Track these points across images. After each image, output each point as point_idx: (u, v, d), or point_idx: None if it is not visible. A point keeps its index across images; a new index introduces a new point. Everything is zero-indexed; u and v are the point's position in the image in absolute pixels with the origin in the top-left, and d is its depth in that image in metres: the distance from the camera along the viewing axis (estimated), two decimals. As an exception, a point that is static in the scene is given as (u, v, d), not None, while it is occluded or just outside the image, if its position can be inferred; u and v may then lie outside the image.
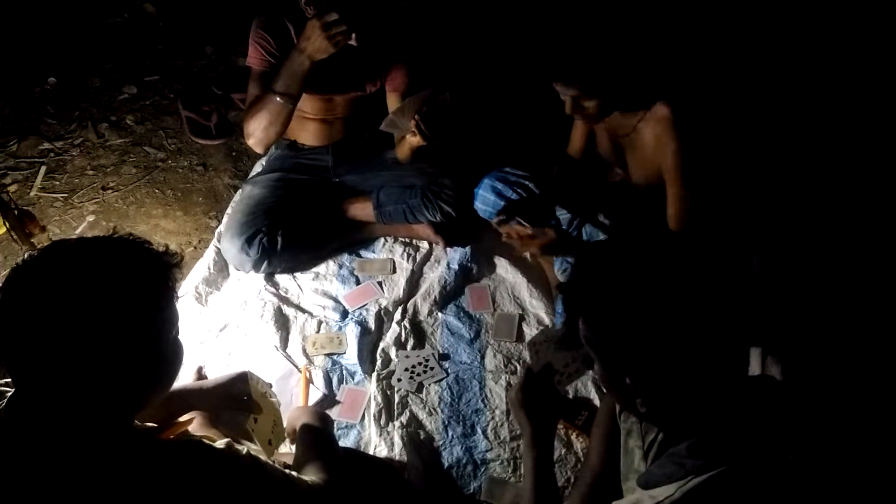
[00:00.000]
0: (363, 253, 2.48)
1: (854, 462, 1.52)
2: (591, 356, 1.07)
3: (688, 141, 1.83)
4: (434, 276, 2.35)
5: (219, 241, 2.42)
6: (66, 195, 2.83)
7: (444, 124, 2.13)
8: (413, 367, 2.06)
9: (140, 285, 0.99)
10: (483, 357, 2.11)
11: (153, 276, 1.02)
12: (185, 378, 1.76)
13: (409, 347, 2.13)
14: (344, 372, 2.07)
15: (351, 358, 2.09)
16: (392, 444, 1.85)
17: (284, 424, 1.58)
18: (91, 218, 2.74)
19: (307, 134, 2.45)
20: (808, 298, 1.99)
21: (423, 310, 2.25)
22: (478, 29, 3.42)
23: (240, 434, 1.45)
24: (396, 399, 1.97)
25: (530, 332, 2.17)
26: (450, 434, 1.89)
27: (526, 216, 2.11)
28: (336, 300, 2.29)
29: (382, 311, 2.25)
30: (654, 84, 1.88)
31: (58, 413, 0.96)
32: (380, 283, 2.35)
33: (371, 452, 1.84)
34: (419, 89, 2.15)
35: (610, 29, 1.92)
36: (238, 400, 1.51)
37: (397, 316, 2.22)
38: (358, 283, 2.36)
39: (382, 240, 2.51)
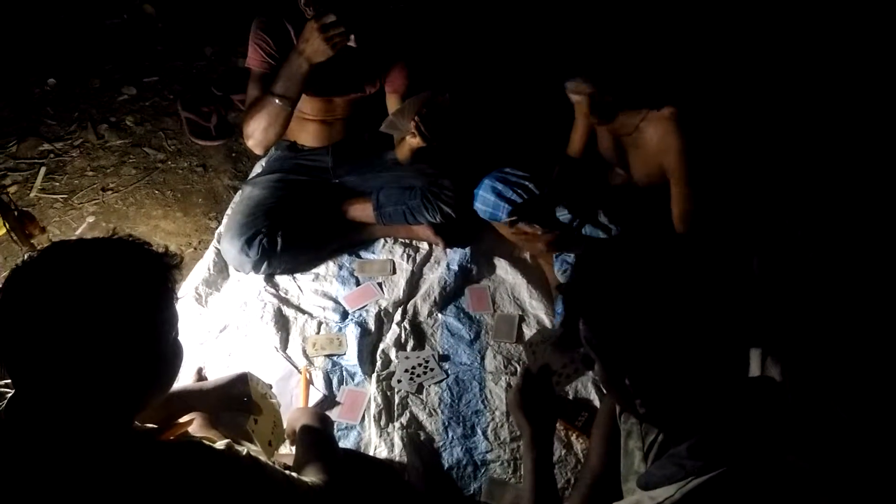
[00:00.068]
0: (363, 254, 2.48)
1: (854, 462, 1.52)
2: (590, 357, 1.07)
3: (692, 140, 1.83)
4: (434, 277, 2.35)
5: (219, 242, 2.42)
6: (65, 196, 2.83)
7: (444, 125, 2.13)
8: (413, 368, 2.06)
9: (140, 287, 0.99)
10: (483, 358, 2.11)
11: (153, 277, 1.02)
12: (184, 379, 1.76)
13: (409, 348, 2.13)
14: (344, 373, 2.07)
15: (351, 359, 2.09)
16: (392, 445, 1.85)
17: (284, 425, 1.58)
18: (91, 219, 2.74)
19: (307, 135, 2.45)
20: (808, 299, 1.99)
21: (423, 311, 2.25)
22: (477, 30, 3.42)
23: (240, 435, 1.45)
24: (396, 400, 1.97)
25: (530, 333, 2.17)
26: (450, 435, 1.89)
27: (534, 217, 2.11)
28: (336, 301, 2.29)
29: (382, 312, 2.25)
30: (667, 81, 1.89)
31: (58, 414, 0.96)
32: (380, 284, 2.35)
33: (371, 453, 1.84)
34: (419, 90, 2.15)
35: (626, 25, 1.93)
36: (238, 401, 1.51)
37: (397, 317, 2.22)
38: (358, 284, 2.36)
39: (382, 241, 2.51)
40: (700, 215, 1.91)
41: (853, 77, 2.93)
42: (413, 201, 2.38)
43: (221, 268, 2.39)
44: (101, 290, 0.95)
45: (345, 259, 2.44)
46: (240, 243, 2.26)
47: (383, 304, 2.28)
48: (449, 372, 2.06)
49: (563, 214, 2.24)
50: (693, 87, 1.99)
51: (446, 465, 1.82)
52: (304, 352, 2.12)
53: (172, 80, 3.46)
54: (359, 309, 2.26)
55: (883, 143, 2.63)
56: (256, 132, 2.17)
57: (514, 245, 2.45)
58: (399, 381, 2.02)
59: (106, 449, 0.97)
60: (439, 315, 2.24)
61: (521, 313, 2.24)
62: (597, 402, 1.94)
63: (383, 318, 2.24)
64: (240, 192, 2.57)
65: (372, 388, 2.00)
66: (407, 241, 2.51)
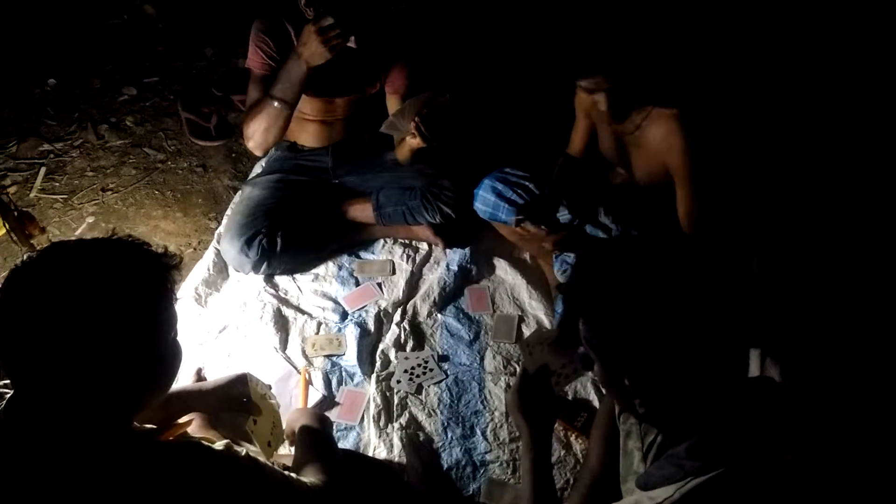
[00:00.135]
0: (363, 254, 2.48)
1: (853, 463, 1.52)
2: (589, 357, 1.07)
3: (695, 139, 1.83)
4: (433, 278, 2.35)
5: (218, 242, 2.42)
6: (65, 196, 2.84)
7: (444, 126, 2.13)
8: (412, 368, 2.06)
9: (139, 287, 0.99)
10: (482, 358, 2.11)
11: (152, 277, 1.02)
12: (184, 380, 1.76)
13: (408, 349, 2.13)
14: (343, 373, 2.07)
15: (350, 359, 2.09)
16: (391, 445, 1.84)
17: (284, 426, 1.58)
18: (91, 219, 2.74)
19: (307, 135, 2.45)
20: (808, 299, 1.99)
21: (423, 311, 2.25)
22: (477, 30, 3.42)
23: (239, 435, 1.45)
24: (396, 400, 1.97)
25: (529, 333, 2.17)
26: (449, 435, 1.89)
27: (540, 217, 2.11)
28: (335, 301, 2.29)
29: (382, 313, 2.25)
30: (679, 75, 1.89)
31: (57, 414, 0.96)
32: (379, 285, 2.35)
33: (370, 454, 1.84)
34: (419, 91, 2.15)
35: (640, 19, 1.93)
36: (237, 401, 1.51)
37: (397, 317, 2.22)
38: (357, 284, 2.36)
39: (382, 241, 2.51)
40: (706, 214, 1.91)
41: (852, 78, 2.93)
42: (413, 202, 2.38)
43: (221, 268, 2.39)
44: (100, 291, 0.95)
45: (344, 259, 2.44)
46: (239, 244, 2.26)
47: (383, 304, 2.27)
48: (448, 372, 2.06)
49: (562, 214, 2.25)
50: (698, 86, 1.99)
51: (445, 466, 1.82)
52: (304, 352, 2.12)
53: (173, 81, 3.47)
54: (358, 309, 2.26)
55: (882, 145, 2.63)
56: (256, 134, 2.18)
57: (514, 245, 2.45)
58: (398, 382, 2.02)
59: (105, 449, 0.97)
60: (439, 315, 2.24)
61: (520, 314, 2.24)
62: (596, 403, 1.94)
63: (383, 319, 2.23)
64: (239, 192, 2.57)
65: (371, 389, 2.00)
66: (406, 241, 2.51)
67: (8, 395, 1.01)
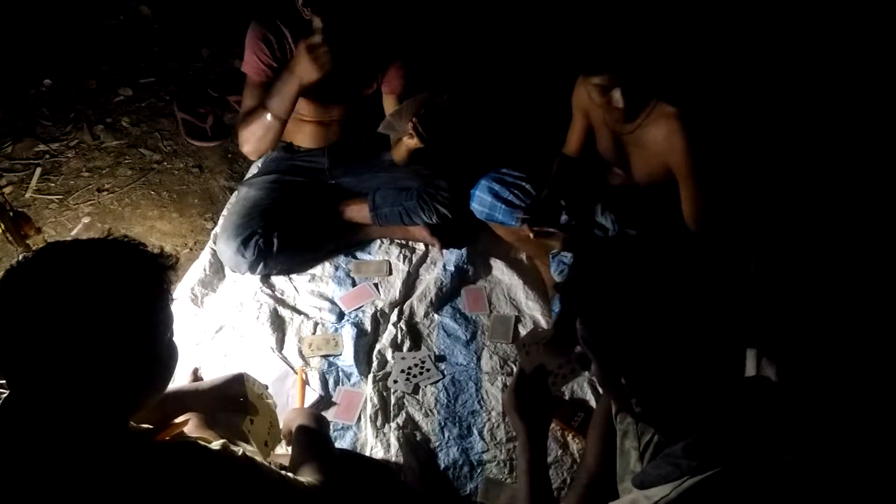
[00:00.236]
0: (359, 255, 2.48)
1: (849, 462, 1.52)
2: (586, 356, 1.07)
3: (697, 138, 1.83)
4: (430, 278, 2.35)
5: (214, 242, 2.42)
6: (61, 197, 2.83)
7: (442, 126, 2.13)
8: (409, 368, 2.06)
9: (135, 288, 0.99)
10: (479, 358, 2.11)
11: (148, 278, 1.02)
12: (180, 380, 1.76)
13: (405, 349, 2.13)
14: (340, 373, 2.07)
15: (347, 359, 2.09)
16: (388, 445, 1.84)
17: (280, 426, 1.57)
18: (86, 220, 2.73)
19: (303, 136, 2.45)
20: (804, 301, 1.99)
21: (420, 311, 2.25)
22: (473, 30, 3.42)
23: (236, 435, 1.45)
24: (393, 400, 1.97)
25: (526, 333, 2.17)
26: (446, 435, 1.89)
27: (545, 219, 2.12)
28: (332, 302, 2.28)
29: (378, 313, 2.25)
30: (687, 72, 1.89)
31: (52, 415, 0.96)
32: (376, 285, 2.35)
33: (367, 454, 1.84)
34: (415, 91, 2.15)
35: (658, 16, 1.93)
36: (234, 401, 1.50)
37: (393, 317, 2.22)
38: (354, 284, 2.36)
39: (378, 241, 2.51)
40: (712, 213, 1.91)
41: (851, 80, 2.94)
42: (409, 202, 2.38)
43: (217, 268, 2.39)
44: (96, 292, 0.94)
45: (341, 260, 2.44)
46: (236, 244, 2.26)
47: (379, 304, 2.27)
48: (445, 372, 2.06)
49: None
50: (703, 84, 1.99)
51: (442, 466, 1.82)
52: (301, 352, 2.12)
53: (169, 82, 3.46)
54: (355, 309, 2.26)
55: (879, 147, 2.63)
56: (250, 141, 2.20)
57: (511, 246, 2.45)
58: (395, 382, 2.02)
59: (101, 449, 0.97)
60: (435, 316, 2.24)
61: (517, 314, 2.25)
62: (593, 403, 1.94)
63: (379, 319, 2.23)
64: (236, 192, 2.56)
65: (368, 389, 1.99)
66: (403, 241, 2.51)
67: (3, 396, 1.01)
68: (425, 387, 2.02)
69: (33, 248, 1.84)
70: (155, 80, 3.47)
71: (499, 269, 2.39)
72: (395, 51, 2.29)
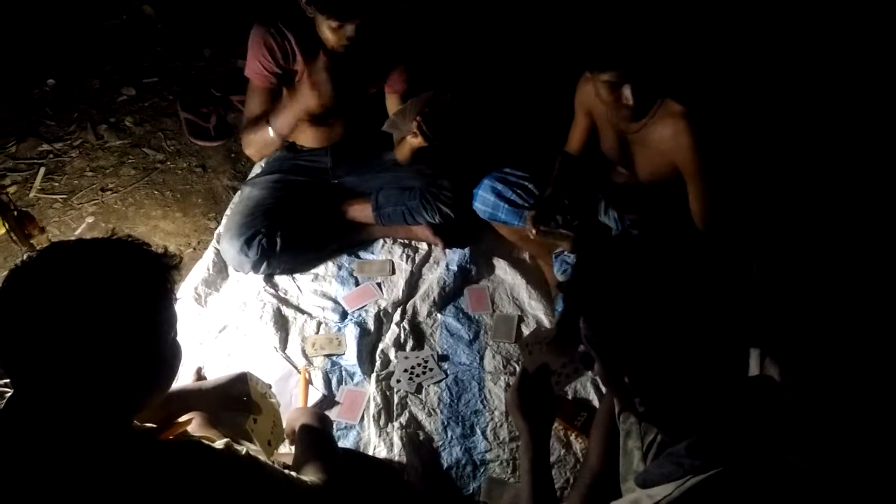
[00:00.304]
0: (362, 254, 2.48)
1: (852, 462, 1.52)
2: (589, 356, 1.07)
3: (704, 137, 1.83)
4: (433, 278, 2.36)
5: (218, 242, 2.42)
6: (65, 196, 2.84)
7: (446, 125, 2.13)
8: (412, 368, 2.06)
9: (138, 287, 0.99)
10: (482, 358, 2.11)
11: (152, 277, 1.02)
12: (184, 379, 1.76)
13: (408, 348, 2.13)
14: (343, 373, 2.07)
15: (350, 359, 2.09)
16: (391, 444, 1.85)
17: (284, 425, 1.58)
18: (90, 219, 2.74)
19: (306, 136, 2.45)
20: (807, 301, 1.99)
21: (423, 311, 2.25)
22: (476, 29, 3.42)
23: (239, 434, 1.45)
24: (395, 400, 1.97)
25: (529, 332, 2.17)
26: (449, 435, 1.89)
27: (550, 218, 2.12)
28: (335, 301, 2.29)
29: (381, 313, 2.25)
30: (696, 69, 1.89)
31: (56, 414, 0.96)
32: (379, 285, 2.35)
33: (370, 453, 1.84)
34: (418, 91, 2.15)
35: (669, 12, 1.92)
36: (237, 400, 1.51)
37: (396, 317, 2.23)
38: (357, 284, 2.36)
39: (381, 241, 2.51)
40: (719, 212, 1.91)
41: (852, 80, 2.94)
42: (412, 202, 2.38)
43: (221, 268, 2.39)
44: (100, 291, 0.95)
45: (344, 259, 2.44)
46: (239, 243, 2.26)
47: (382, 304, 2.28)
48: (448, 372, 2.06)
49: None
50: (706, 84, 1.99)
51: (445, 465, 1.82)
52: (304, 352, 2.12)
53: (172, 81, 3.46)
54: (358, 309, 2.26)
55: (881, 148, 2.63)
56: (253, 146, 2.28)
57: (514, 245, 2.45)
58: (398, 381, 2.02)
59: (105, 448, 0.97)
60: (438, 315, 2.24)
61: (520, 313, 2.24)
62: (596, 402, 1.94)
63: (382, 319, 2.24)
64: (239, 192, 2.57)
65: (371, 388, 2.00)
66: (406, 241, 2.51)
67: (8, 395, 1.01)
68: (428, 386, 2.02)
69: (37, 248, 1.85)
70: (158, 79, 3.47)
71: (502, 268, 2.39)
72: (398, 50, 2.29)
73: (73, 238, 2.29)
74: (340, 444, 1.81)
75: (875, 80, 2.89)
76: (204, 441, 1.08)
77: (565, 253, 2.19)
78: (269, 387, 1.60)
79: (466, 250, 2.42)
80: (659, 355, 0.98)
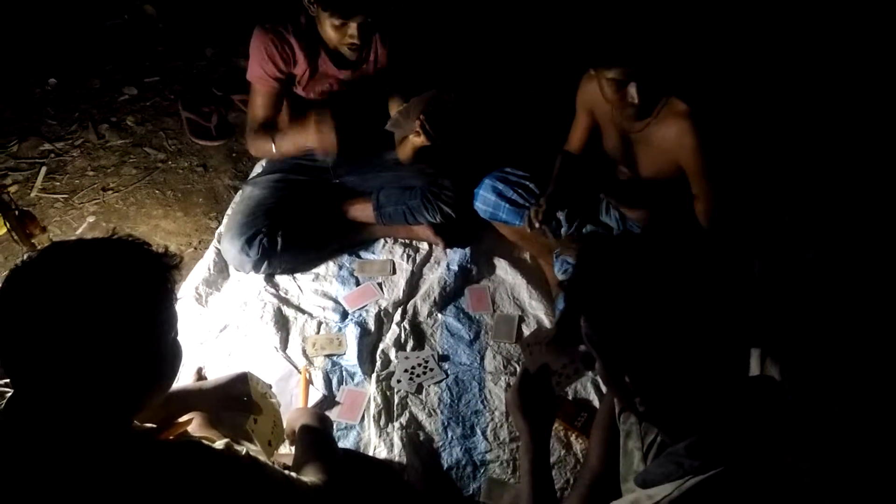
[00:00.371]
0: (363, 254, 2.48)
1: (852, 462, 1.52)
2: (591, 356, 1.07)
3: (708, 137, 1.83)
4: (434, 278, 2.35)
5: (219, 241, 2.42)
6: (66, 196, 2.84)
7: (449, 125, 2.13)
8: (413, 368, 2.06)
9: (139, 287, 0.99)
10: (482, 358, 2.11)
11: (152, 277, 1.02)
12: (184, 379, 1.76)
13: (408, 348, 2.13)
14: (343, 373, 2.07)
15: (350, 359, 2.09)
16: (391, 445, 1.85)
17: (284, 425, 1.58)
18: (91, 219, 2.74)
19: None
20: (808, 301, 1.99)
21: (423, 311, 2.25)
22: (477, 29, 3.42)
23: (239, 435, 1.45)
24: (396, 400, 1.97)
25: (529, 333, 2.17)
26: (449, 435, 1.89)
27: (554, 216, 2.12)
28: (336, 301, 2.29)
29: (382, 313, 2.25)
30: (701, 67, 1.89)
31: (56, 414, 0.96)
32: (379, 285, 2.35)
33: (370, 453, 1.84)
34: (420, 89, 2.15)
35: (676, 9, 1.92)
36: (238, 401, 1.51)
37: (397, 317, 2.22)
38: (358, 284, 2.36)
39: (382, 241, 2.51)
40: (723, 211, 1.91)
41: (853, 81, 2.93)
42: (413, 201, 2.38)
43: (221, 268, 2.39)
44: (100, 291, 0.95)
45: (345, 259, 2.44)
46: (240, 243, 2.26)
47: (383, 304, 2.28)
48: (448, 372, 2.06)
49: (562, 215, 2.24)
50: (711, 83, 1.99)
51: (446, 465, 1.82)
52: (304, 352, 2.12)
53: (173, 81, 3.47)
54: (359, 309, 2.26)
55: (883, 148, 2.63)
56: (258, 152, 2.35)
57: (514, 245, 2.45)
58: (399, 381, 2.02)
59: (105, 448, 0.97)
60: (439, 315, 2.24)
61: (520, 314, 2.24)
62: (596, 403, 1.94)
63: (383, 319, 2.24)
64: (240, 191, 2.57)
65: (371, 388, 2.00)
66: (407, 241, 2.51)
67: (8, 395, 1.01)
68: (429, 386, 2.02)
69: (38, 247, 1.85)
70: (159, 79, 3.48)
71: (502, 268, 2.39)
72: (400, 49, 2.28)
73: (73, 238, 2.29)
74: (341, 444, 1.82)
75: (876, 80, 2.88)
76: (204, 441, 1.08)
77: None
78: (270, 387, 1.60)
79: (467, 250, 2.42)
80: (660, 354, 0.97)
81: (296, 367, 2.07)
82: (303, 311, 2.25)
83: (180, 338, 1.09)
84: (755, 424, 1.00)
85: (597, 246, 1.13)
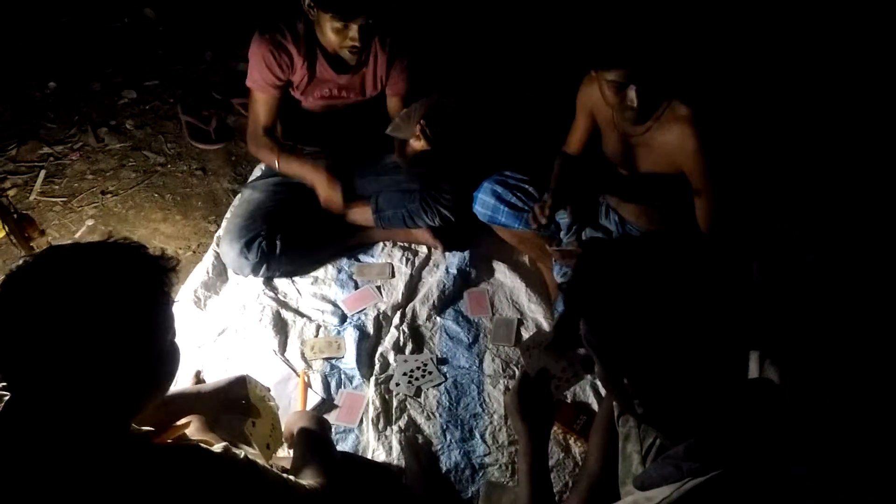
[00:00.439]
0: (362, 257, 2.48)
1: (851, 465, 1.52)
2: (589, 359, 1.07)
3: (710, 141, 1.83)
4: (433, 281, 2.35)
5: (218, 245, 2.42)
6: (65, 199, 2.84)
7: (449, 129, 2.13)
8: (411, 371, 2.06)
9: (135, 290, 0.99)
10: (481, 361, 2.11)
11: (148, 280, 1.02)
12: (183, 382, 1.76)
13: (407, 352, 2.13)
14: (342, 376, 2.07)
15: (349, 362, 2.09)
16: (390, 448, 1.84)
17: (282, 428, 1.57)
18: (90, 222, 2.74)
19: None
20: (807, 303, 1.99)
21: (422, 314, 2.25)
22: (476, 32, 3.43)
23: (238, 438, 1.46)
24: (395, 403, 1.97)
25: (528, 336, 2.17)
26: (448, 438, 1.88)
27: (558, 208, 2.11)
28: (335, 304, 2.29)
29: (381, 316, 2.25)
30: (701, 71, 1.89)
31: (54, 417, 0.96)
32: (378, 288, 2.35)
33: (369, 457, 1.84)
34: (419, 93, 2.15)
35: (676, 11, 1.92)
36: (236, 404, 1.51)
37: (396, 320, 2.22)
38: (357, 287, 2.36)
39: (381, 244, 2.51)
40: (724, 215, 1.91)
41: (853, 83, 2.94)
42: (412, 205, 2.38)
43: (220, 271, 2.39)
44: (96, 294, 0.95)
45: (343, 262, 2.44)
46: (239, 246, 2.26)
47: (382, 307, 2.27)
48: (447, 375, 2.06)
49: (561, 218, 2.24)
50: (711, 87, 1.99)
51: (444, 469, 1.82)
52: (303, 355, 2.12)
53: (173, 84, 3.47)
54: (357, 312, 2.26)
55: (881, 150, 2.63)
56: (260, 158, 2.44)
57: (513, 249, 2.45)
58: (397, 385, 2.01)
59: (102, 452, 0.97)
60: (438, 318, 2.24)
61: (519, 317, 2.24)
62: (595, 406, 1.94)
63: (382, 322, 2.23)
64: (239, 195, 2.57)
65: (370, 392, 1.99)
66: (406, 244, 2.51)
67: (5, 398, 1.01)
68: (427, 390, 2.02)
69: (37, 251, 1.85)
70: (159, 82, 3.48)
71: (501, 271, 2.39)
72: (399, 52, 2.29)
73: (69, 241, 2.28)
74: (339, 447, 1.81)
75: (875, 84, 2.89)
76: (202, 445, 1.08)
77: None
78: (268, 390, 1.60)
79: (466, 253, 2.42)
80: (658, 357, 0.97)
81: (294, 371, 2.06)
82: (301, 315, 2.25)
83: (178, 341, 1.09)
84: (754, 427, 0.99)
85: (596, 249, 1.13)
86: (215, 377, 1.69)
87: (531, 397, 1.39)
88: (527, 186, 2.26)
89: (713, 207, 1.92)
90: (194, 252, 2.62)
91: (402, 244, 2.51)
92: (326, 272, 2.40)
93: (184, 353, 1.12)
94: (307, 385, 2.01)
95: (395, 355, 2.11)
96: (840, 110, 2.83)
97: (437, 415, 1.95)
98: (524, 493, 1.34)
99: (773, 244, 2.21)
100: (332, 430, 1.83)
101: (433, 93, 2.11)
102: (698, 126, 1.82)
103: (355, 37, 2.02)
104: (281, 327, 2.20)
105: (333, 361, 2.10)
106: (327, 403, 1.99)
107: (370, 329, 2.20)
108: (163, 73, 3.53)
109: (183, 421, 1.35)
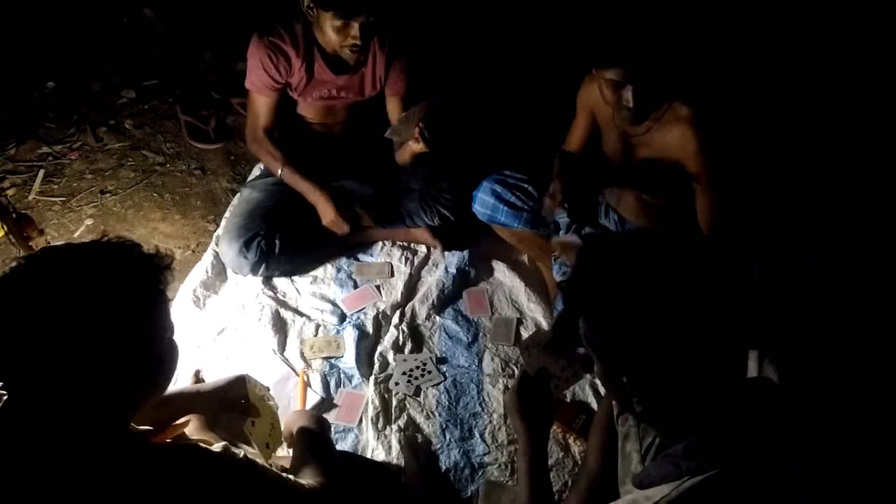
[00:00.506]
0: (361, 257, 2.48)
1: (850, 464, 1.52)
2: (588, 358, 1.07)
3: (711, 141, 1.83)
4: (432, 280, 2.35)
5: (217, 244, 2.42)
6: (64, 199, 2.83)
7: (448, 131, 2.13)
8: (411, 370, 2.06)
9: (129, 289, 0.99)
10: (481, 361, 2.11)
11: (143, 279, 1.01)
12: (182, 381, 1.76)
13: (406, 351, 2.13)
14: (342, 375, 2.06)
15: (349, 361, 2.09)
16: (389, 447, 1.84)
17: (282, 428, 1.57)
18: (89, 222, 2.74)
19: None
20: (806, 303, 1.99)
21: (421, 313, 2.25)
22: (475, 32, 3.43)
23: (237, 437, 1.45)
24: (394, 403, 1.97)
25: (528, 335, 2.17)
26: (447, 437, 1.88)
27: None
28: (334, 304, 2.29)
29: (380, 315, 2.25)
30: (698, 72, 1.89)
31: (51, 417, 0.96)
32: (378, 287, 2.35)
33: (368, 456, 1.83)
34: (418, 93, 2.15)
35: (674, 12, 1.91)
36: (236, 403, 1.50)
37: (395, 320, 2.22)
38: (356, 286, 2.36)
39: (380, 244, 2.51)
40: (726, 214, 1.91)
41: (852, 83, 2.94)
42: (411, 204, 2.38)
43: (219, 270, 2.39)
44: (91, 293, 0.94)
45: (343, 262, 2.44)
46: (238, 245, 2.26)
47: (381, 306, 2.27)
48: (446, 374, 2.06)
49: (561, 218, 2.24)
50: (711, 88, 1.99)
51: (444, 468, 1.82)
52: (302, 354, 2.12)
53: (172, 84, 3.47)
54: (357, 311, 2.26)
55: (880, 150, 2.63)
56: (260, 159, 2.42)
57: (513, 248, 2.45)
58: (397, 384, 2.01)
59: (101, 451, 0.97)
60: (437, 318, 2.24)
61: (518, 316, 2.24)
62: (594, 405, 1.94)
63: (381, 321, 2.23)
64: (238, 194, 2.56)
65: (369, 391, 1.99)
66: (405, 243, 2.51)
67: (3, 398, 1.01)
68: (427, 389, 2.02)
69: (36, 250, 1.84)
70: (158, 82, 3.48)
71: (500, 271, 2.39)
72: (397, 52, 2.29)
73: (68, 241, 2.28)
74: (339, 446, 1.81)
75: (875, 84, 2.89)
76: (202, 444, 1.08)
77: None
78: (268, 389, 1.60)
79: (465, 253, 2.42)
80: (658, 355, 0.97)
81: (294, 370, 2.06)
82: (301, 314, 2.25)
83: (178, 340, 1.09)
84: (753, 426, 1.00)
85: (595, 247, 1.13)
86: (214, 376, 1.70)
87: (530, 396, 1.39)
88: (526, 186, 2.26)
89: (714, 208, 1.92)
90: (193, 251, 2.62)
91: (401, 243, 2.51)
92: (325, 271, 2.40)
93: (183, 353, 1.12)
94: (306, 384, 2.01)
95: (395, 354, 2.11)
96: (839, 110, 2.83)
97: (437, 414, 1.95)
98: (523, 492, 1.34)
99: (772, 244, 2.21)
100: (332, 429, 1.83)
101: (432, 96, 2.11)
102: (699, 127, 1.82)
103: (356, 35, 2.01)
104: (280, 326, 2.20)
105: (333, 361, 2.10)
106: (326, 403, 1.99)
107: (369, 328, 2.20)
108: (162, 73, 3.53)
109: (182, 420, 1.35)
